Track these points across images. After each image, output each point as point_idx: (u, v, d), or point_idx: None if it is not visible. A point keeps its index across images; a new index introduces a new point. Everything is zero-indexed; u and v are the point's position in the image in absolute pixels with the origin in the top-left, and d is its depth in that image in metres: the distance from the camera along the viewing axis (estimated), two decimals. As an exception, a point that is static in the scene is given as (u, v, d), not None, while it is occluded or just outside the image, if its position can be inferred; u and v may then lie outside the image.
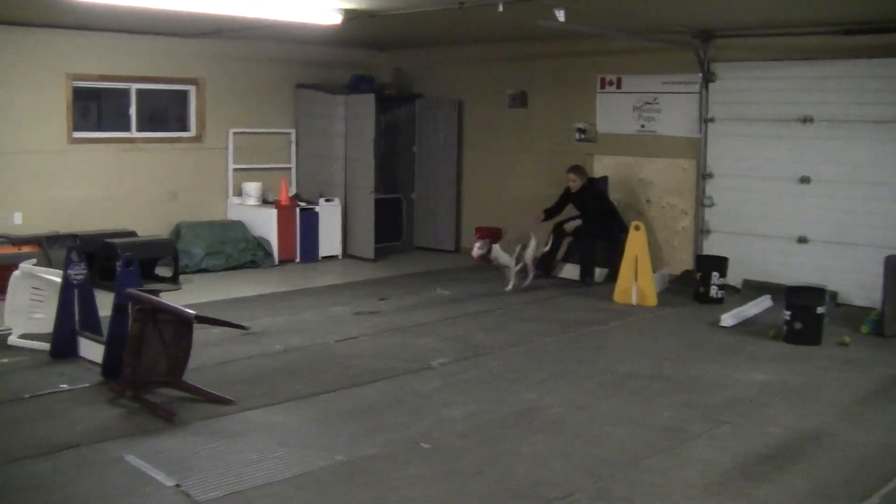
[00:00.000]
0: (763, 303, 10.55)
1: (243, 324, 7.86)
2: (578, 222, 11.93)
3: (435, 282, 10.51)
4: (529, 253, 11.44)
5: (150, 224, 12.59)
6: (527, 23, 9.81)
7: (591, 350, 8.79)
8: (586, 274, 11.92)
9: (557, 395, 7.28)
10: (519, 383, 7.62)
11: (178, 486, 5.36)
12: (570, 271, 12.21)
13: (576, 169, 12.06)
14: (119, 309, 7.28)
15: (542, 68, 13.51)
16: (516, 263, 11.41)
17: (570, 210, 12.14)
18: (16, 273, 8.62)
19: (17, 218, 11.69)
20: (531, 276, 11.55)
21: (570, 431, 6.45)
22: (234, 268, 12.70)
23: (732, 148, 11.62)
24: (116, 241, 11.20)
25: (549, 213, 12.15)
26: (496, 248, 11.33)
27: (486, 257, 11.32)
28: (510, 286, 11.32)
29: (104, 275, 10.60)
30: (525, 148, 13.82)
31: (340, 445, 6.10)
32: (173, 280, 11.51)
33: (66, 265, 8.05)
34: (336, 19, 9.95)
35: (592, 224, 11.84)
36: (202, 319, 7.02)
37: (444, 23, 11.17)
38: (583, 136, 13.08)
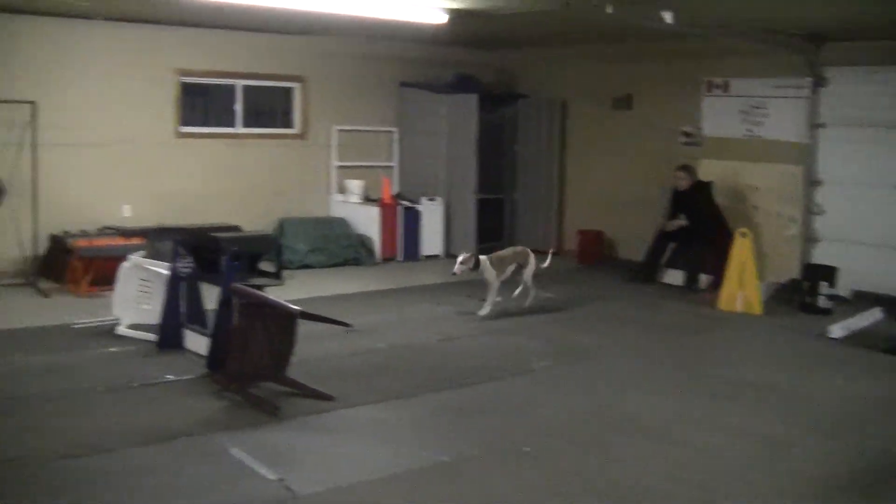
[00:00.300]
0: (874, 315, 10.19)
1: (347, 322, 7.88)
2: (682, 222, 11.79)
3: (536, 283, 10.41)
4: (529, 272, 10.48)
5: (253, 219, 12.70)
6: (633, 24, 9.69)
7: (695, 357, 8.64)
8: (691, 280, 11.74)
9: (660, 401, 7.17)
10: (621, 388, 7.53)
11: (280, 479, 5.40)
12: (674, 277, 12.01)
13: (685, 167, 11.93)
14: (225, 303, 7.35)
15: (648, 70, 13.31)
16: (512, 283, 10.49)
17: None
18: (125, 264, 8.80)
19: (126, 210, 11.95)
20: (531, 295, 10.49)
21: (672, 439, 6.33)
22: (337, 265, 12.79)
23: (844, 154, 11.32)
24: (221, 235, 11.34)
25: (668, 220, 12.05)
26: (484, 261, 10.15)
27: (475, 270, 10.07)
28: (487, 310, 10.04)
29: (208, 268, 10.72)
30: (629, 150, 13.63)
31: (441, 446, 6.08)
32: (276, 275, 11.62)
33: (173, 258, 8.19)
34: (442, 19, 9.94)
35: (699, 228, 11.65)
36: (307, 316, 7.05)
37: (549, 23, 11.08)
38: (689, 140, 12.87)
